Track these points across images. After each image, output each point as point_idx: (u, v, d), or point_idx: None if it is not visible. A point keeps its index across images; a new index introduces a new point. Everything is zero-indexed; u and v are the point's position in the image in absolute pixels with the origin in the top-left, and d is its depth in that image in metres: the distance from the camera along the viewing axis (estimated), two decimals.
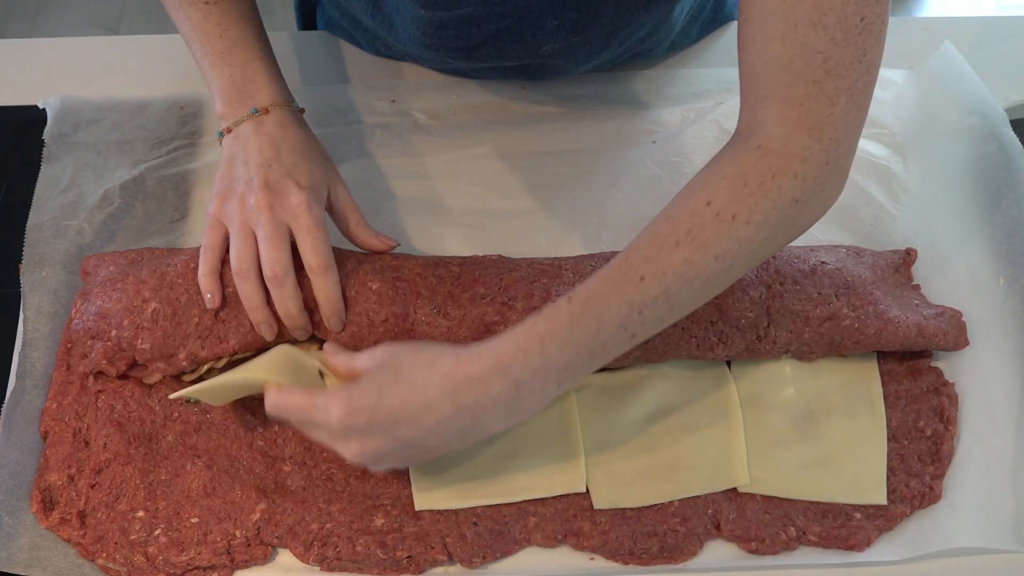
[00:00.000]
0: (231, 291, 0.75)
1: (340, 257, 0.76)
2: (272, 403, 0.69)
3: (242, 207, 0.73)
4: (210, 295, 0.74)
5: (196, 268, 0.75)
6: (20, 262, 0.82)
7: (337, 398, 0.66)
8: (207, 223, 0.75)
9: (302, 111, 0.80)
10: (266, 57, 0.79)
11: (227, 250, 0.75)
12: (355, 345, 0.76)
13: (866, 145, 0.92)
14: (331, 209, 0.77)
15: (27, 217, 0.84)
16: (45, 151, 0.88)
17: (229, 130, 0.77)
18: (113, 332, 0.75)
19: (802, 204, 0.66)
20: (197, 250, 0.77)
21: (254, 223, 0.73)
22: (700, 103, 0.95)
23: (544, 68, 0.91)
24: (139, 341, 0.75)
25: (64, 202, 0.85)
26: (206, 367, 0.77)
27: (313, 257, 0.73)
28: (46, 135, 0.89)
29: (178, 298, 0.75)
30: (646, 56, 0.97)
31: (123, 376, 0.77)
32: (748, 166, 0.65)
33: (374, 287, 0.76)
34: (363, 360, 0.69)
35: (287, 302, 0.73)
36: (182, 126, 0.93)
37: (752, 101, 0.66)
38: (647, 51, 0.96)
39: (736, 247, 0.65)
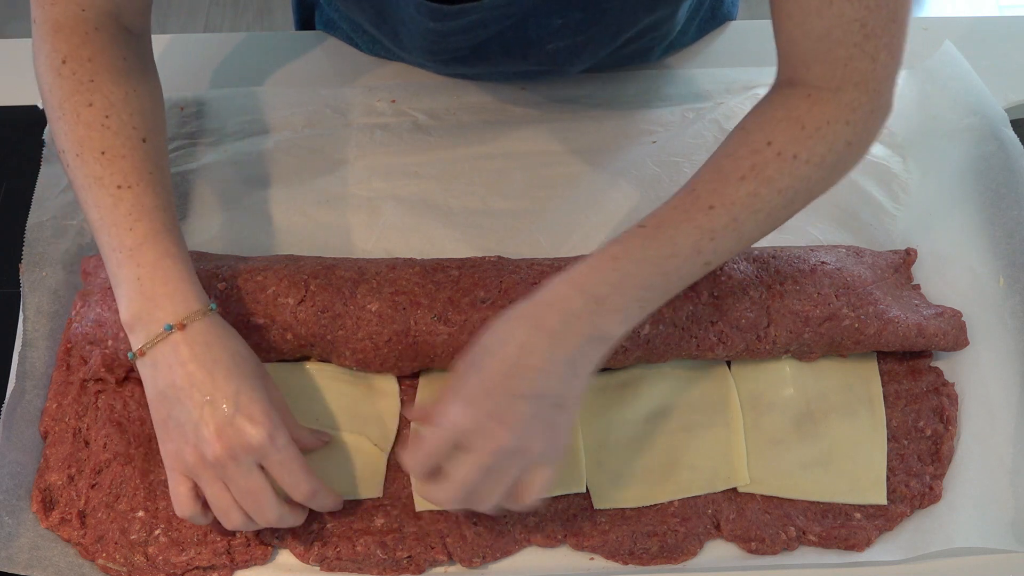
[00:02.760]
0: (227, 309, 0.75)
1: (335, 283, 0.76)
2: (411, 464, 0.67)
3: (200, 460, 0.65)
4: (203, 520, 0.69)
5: None
6: (20, 262, 0.82)
7: (448, 404, 0.65)
8: (169, 472, 0.67)
9: (215, 309, 0.69)
10: (178, 253, 0.69)
11: (201, 495, 0.68)
12: (363, 368, 0.77)
13: None
14: None
15: (27, 217, 0.84)
16: (45, 151, 0.88)
17: (143, 352, 0.67)
18: (110, 342, 0.75)
19: (853, 146, 0.70)
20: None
21: (221, 477, 0.66)
22: (700, 103, 0.95)
23: (545, 72, 0.91)
24: None
25: (64, 202, 0.85)
26: None
27: (296, 490, 0.67)
28: (46, 135, 0.89)
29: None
30: (645, 56, 0.97)
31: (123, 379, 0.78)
32: (802, 112, 0.69)
33: (373, 308, 0.76)
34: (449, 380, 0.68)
35: (290, 526, 0.70)
36: (182, 126, 0.93)
37: (793, 63, 0.70)
38: (647, 49, 0.96)
39: (796, 183, 0.69)
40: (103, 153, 0.69)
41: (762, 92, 0.95)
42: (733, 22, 1.03)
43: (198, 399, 0.65)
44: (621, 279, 0.66)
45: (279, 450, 0.66)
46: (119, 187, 0.69)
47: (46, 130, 0.89)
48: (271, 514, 0.67)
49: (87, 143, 0.69)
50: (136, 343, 0.67)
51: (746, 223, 0.69)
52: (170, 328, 0.66)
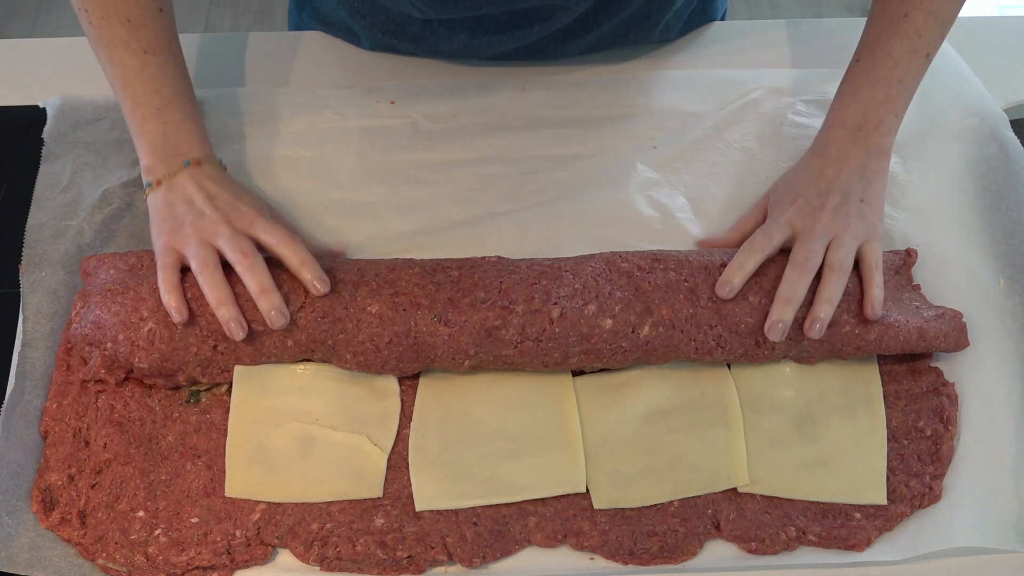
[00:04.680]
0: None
1: (335, 286, 0.76)
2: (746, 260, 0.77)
3: (196, 228, 0.75)
4: (175, 309, 0.74)
5: (194, 297, 0.76)
6: (20, 262, 0.82)
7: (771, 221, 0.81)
8: (159, 252, 0.76)
9: (225, 168, 0.83)
10: (197, 117, 0.82)
11: (185, 268, 0.76)
12: (364, 370, 0.77)
13: None
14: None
15: (27, 217, 0.84)
16: (44, 150, 0.88)
17: (160, 182, 0.79)
18: (109, 344, 0.75)
19: None
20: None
21: (212, 236, 0.75)
22: (700, 108, 0.95)
23: (547, 43, 0.91)
24: (136, 359, 0.75)
25: (64, 202, 0.85)
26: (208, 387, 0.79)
27: (276, 242, 0.76)
28: (46, 134, 0.89)
29: (175, 324, 0.75)
30: (643, 36, 0.98)
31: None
32: None
33: (374, 310, 0.76)
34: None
35: (258, 276, 0.74)
36: None
37: None
38: (645, 20, 0.96)
39: None
40: (129, 20, 0.79)
41: (761, 95, 0.96)
42: (733, 22, 1.03)
43: (204, 197, 0.77)
44: (866, 106, 0.82)
45: (264, 219, 0.76)
46: (145, 52, 0.80)
47: (46, 129, 0.89)
48: (246, 247, 0.74)
49: (112, 9, 0.79)
50: (155, 177, 0.78)
51: (941, 9, 0.79)
52: (188, 164, 0.79)
